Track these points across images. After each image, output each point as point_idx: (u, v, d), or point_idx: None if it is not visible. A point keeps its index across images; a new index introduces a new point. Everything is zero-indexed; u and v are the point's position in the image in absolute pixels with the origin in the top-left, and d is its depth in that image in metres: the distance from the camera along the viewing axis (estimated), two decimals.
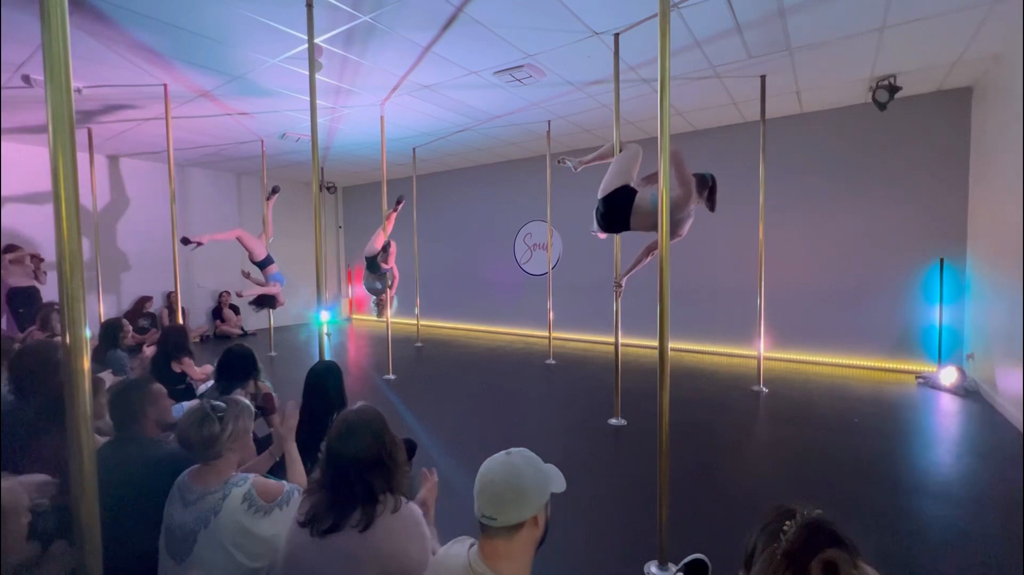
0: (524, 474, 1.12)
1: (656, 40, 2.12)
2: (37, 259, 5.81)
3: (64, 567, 1.41)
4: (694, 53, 3.89)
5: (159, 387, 1.96)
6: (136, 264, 7.53)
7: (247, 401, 1.70)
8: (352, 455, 1.32)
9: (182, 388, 4.03)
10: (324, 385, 2.53)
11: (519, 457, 1.15)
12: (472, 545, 1.16)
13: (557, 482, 1.18)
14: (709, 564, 1.97)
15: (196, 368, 4.25)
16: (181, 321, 5.08)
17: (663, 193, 2.08)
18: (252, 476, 1.57)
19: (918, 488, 2.76)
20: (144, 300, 7.32)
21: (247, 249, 5.66)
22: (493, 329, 8.45)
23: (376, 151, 6.67)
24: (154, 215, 7.48)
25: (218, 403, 1.59)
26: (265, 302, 5.75)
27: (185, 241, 5.06)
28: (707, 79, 4.48)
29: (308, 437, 2.46)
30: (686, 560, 1.98)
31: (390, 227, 5.56)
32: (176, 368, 4.00)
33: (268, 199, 6.15)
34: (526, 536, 1.12)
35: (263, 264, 5.75)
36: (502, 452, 1.18)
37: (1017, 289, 3.55)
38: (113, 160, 7.29)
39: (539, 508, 1.13)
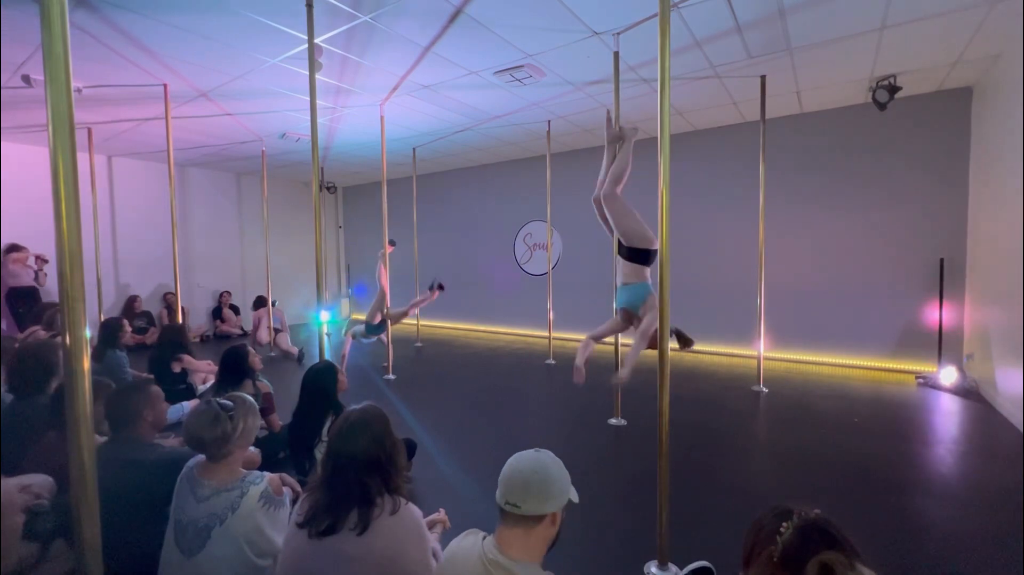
0: (551, 470, 1.19)
1: (656, 40, 2.12)
2: (42, 260, 5.80)
3: (64, 567, 1.41)
4: (694, 53, 3.89)
5: (157, 390, 1.97)
6: (136, 264, 7.53)
7: (251, 398, 1.70)
8: (350, 455, 1.32)
9: (182, 388, 4.01)
10: (321, 385, 2.54)
11: (547, 456, 1.24)
12: (485, 537, 1.21)
13: (573, 492, 1.24)
14: (714, 572, 1.96)
15: (197, 362, 4.22)
16: (181, 321, 5.06)
17: (663, 193, 2.08)
18: (267, 474, 1.57)
19: (918, 488, 2.76)
20: (133, 300, 7.28)
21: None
22: (493, 329, 8.44)
23: (376, 151, 6.67)
24: (154, 215, 7.47)
25: (226, 402, 1.58)
26: None
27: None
28: (707, 79, 4.48)
29: (303, 436, 2.47)
30: (691, 567, 1.97)
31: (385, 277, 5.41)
32: (175, 368, 3.98)
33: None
34: (542, 532, 1.17)
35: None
36: (531, 449, 1.26)
37: (1017, 289, 3.55)
38: (113, 160, 7.29)
39: (559, 506, 1.18)
